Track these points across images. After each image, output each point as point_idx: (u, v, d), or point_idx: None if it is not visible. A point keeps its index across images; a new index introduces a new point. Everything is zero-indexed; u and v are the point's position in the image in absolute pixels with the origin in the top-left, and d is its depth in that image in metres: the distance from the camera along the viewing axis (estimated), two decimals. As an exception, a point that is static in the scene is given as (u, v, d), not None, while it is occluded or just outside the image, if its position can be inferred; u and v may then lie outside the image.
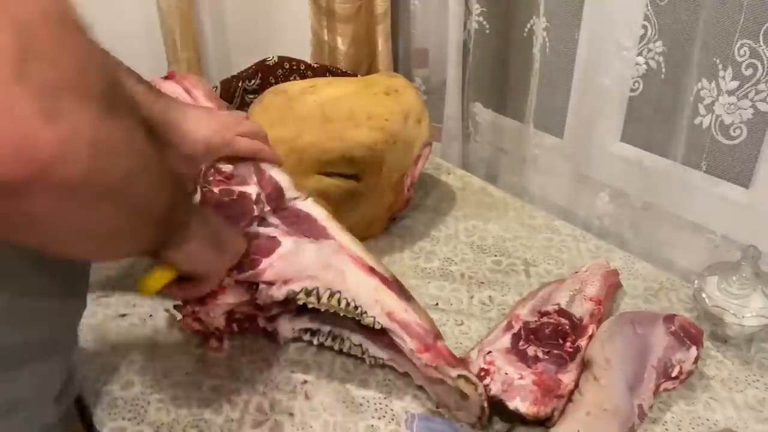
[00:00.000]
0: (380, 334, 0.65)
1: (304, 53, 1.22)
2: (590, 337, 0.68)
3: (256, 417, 0.64)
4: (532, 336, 0.68)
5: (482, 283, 0.83)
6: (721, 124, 0.80)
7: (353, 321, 0.66)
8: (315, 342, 0.71)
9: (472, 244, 0.91)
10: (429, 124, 0.91)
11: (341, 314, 0.65)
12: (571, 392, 0.62)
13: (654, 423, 0.63)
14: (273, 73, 0.96)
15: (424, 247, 0.90)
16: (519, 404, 0.61)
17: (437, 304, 0.79)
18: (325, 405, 0.65)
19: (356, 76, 1.04)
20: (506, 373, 0.63)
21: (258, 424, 0.63)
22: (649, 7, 0.85)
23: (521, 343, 0.67)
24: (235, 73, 0.94)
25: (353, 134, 0.81)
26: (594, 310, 0.71)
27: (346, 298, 0.64)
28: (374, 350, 0.68)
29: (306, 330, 0.71)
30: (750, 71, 0.75)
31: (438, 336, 0.65)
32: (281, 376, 0.68)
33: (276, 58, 0.97)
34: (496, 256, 0.88)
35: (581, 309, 0.71)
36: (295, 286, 0.64)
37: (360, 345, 0.69)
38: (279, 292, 0.64)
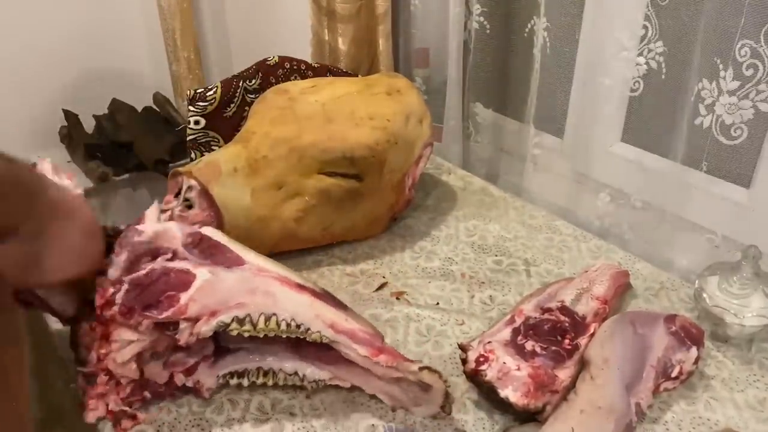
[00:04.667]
0: (319, 352, 0.63)
1: (305, 53, 1.22)
2: (591, 336, 0.68)
3: (257, 416, 0.64)
4: (530, 331, 0.68)
5: (483, 282, 0.83)
6: (722, 124, 0.80)
7: (281, 348, 0.63)
8: (245, 383, 0.64)
9: (472, 243, 0.91)
10: (430, 124, 0.91)
11: (283, 336, 0.61)
12: (567, 389, 0.62)
13: (654, 423, 0.64)
14: (274, 72, 0.96)
15: (425, 247, 0.90)
16: (510, 393, 0.61)
17: (438, 303, 0.79)
18: (326, 404, 0.65)
19: (357, 76, 1.04)
20: (504, 363, 0.63)
21: (259, 424, 0.63)
22: (650, 7, 0.85)
23: (519, 337, 0.67)
24: (235, 72, 0.94)
25: (355, 134, 0.81)
26: (599, 310, 0.71)
27: (284, 319, 0.60)
28: (312, 373, 0.64)
29: (232, 374, 0.65)
30: (751, 71, 0.76)
31: (382, 338, 0.63)
32: (282, 376, 0.68)
33: (277, 58, 0.96)
34: (496, 255, 0.88)
35: (586, 307, 0.72)
36: (224, 317, 0.59)
37: (295, 373, 0.64)
38: (207, 327, 0.59)
